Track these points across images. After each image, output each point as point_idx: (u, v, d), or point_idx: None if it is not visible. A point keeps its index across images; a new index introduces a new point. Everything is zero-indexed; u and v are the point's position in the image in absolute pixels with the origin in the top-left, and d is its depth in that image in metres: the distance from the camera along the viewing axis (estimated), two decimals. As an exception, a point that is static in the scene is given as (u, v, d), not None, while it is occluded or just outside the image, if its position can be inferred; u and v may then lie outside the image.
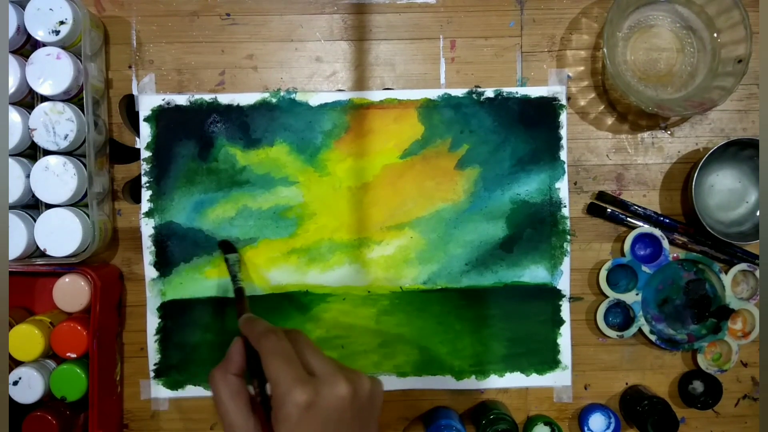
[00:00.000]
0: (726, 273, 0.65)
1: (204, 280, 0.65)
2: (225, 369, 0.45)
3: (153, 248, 0.65)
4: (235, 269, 0.62)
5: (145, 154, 0.65)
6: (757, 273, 0.65)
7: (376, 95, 0.65)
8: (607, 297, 0.66)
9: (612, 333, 0.65)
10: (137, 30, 0.65)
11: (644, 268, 0.65)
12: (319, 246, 0.65)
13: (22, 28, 0.59)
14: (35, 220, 0.60)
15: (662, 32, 0.66)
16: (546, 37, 0.66)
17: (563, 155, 0.66)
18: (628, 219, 0.65)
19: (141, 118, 0.65)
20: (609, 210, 0.65)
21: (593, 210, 0.66)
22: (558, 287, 0.66)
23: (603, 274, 0.65)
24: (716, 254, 0.66)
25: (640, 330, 0.65)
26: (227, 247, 0.65)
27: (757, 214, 0.66)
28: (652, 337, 0.65)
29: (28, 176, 0.60)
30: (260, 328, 0.46)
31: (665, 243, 0.65)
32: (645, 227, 0.65)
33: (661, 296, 0.67)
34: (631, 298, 0.65)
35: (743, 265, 0.65)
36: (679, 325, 0.67)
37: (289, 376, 0.41)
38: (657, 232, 0.65)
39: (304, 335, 0.46)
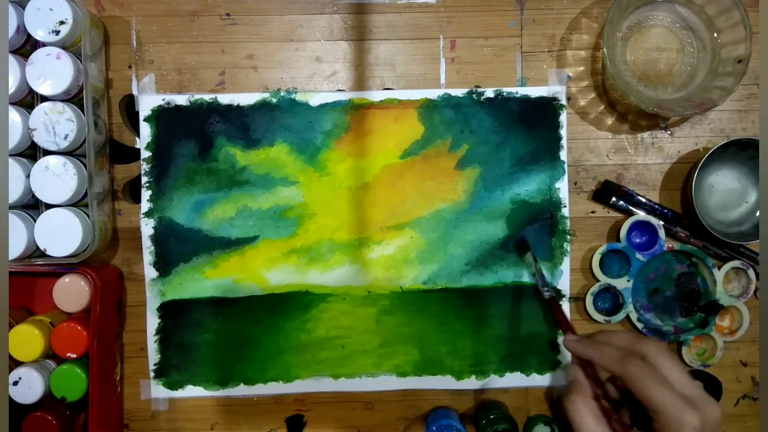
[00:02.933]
0: (719, 269, 0.66)
1: (204, 280, 0.65)
2: (583, 394, 0.46)
3: (153, 248, 0.65)
4: (542, 271, 0.63)
5: (145, 154, 0.65)
6: (750, 272, 0.66)
7: (376, 95, 0.65)
8: (598, 281, 0.66)
9: (600, 317, 0.65)
10: (137, 30, 0.65)
11: (638, 256, 0.65)
12: (319, 246, 0.65)
13: (22, 28, 0.59)
14: (35, 220, 0.60)
15: (662, 32, 0.66)
16: (546, 37, 0.66)
17: (563, 155, 0.66)
18: (632, 208, 0.66)
19: (141, 118, 0.65)
20: (613, 199, 0.65)
21: (599, 196, 0.66)
22: (558, 287, 0.66)
23: (597, 257, 0.65)
24: (717, 251, 0.66)
25: (627, 317, 0.66)
26: (523, 244, 0.65)
27: (757, 214, 0.66)
28: (639, 326, 0.65)
29: (28, 176, 0.60)
30: (616, 353, 0.46)
31: (661, 232, 0.65)
32: (641, 214, 0.65)
33: (652, 286, 0.67)
34: (622, 284, 0.66)
35: (736, 263, 0.65)
36: (666, 317, 0.67)
37: (678, 401, 0.42)
38: (654, 220, 0.65)
39: (654, 344, 0.45)
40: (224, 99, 0.65)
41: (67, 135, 0.59)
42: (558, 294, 0.65)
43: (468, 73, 0.66)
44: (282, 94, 0.65)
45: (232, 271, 0.65)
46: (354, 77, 0.66)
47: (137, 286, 0.65)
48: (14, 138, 0.59)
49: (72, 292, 0.61)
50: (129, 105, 0.66)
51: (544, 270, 0.65)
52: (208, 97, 0.65)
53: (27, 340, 0.59)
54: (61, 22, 0.58)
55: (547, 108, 0.66)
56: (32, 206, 0.62)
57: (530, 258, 0.64)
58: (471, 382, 0.66)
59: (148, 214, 0.65)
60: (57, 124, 0.59)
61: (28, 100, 0.61)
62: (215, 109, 0.65)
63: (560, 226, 0.66)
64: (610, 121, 0.67)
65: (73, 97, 0.61)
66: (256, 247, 0.65)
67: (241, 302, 0.65)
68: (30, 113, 0.59)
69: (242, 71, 0.65)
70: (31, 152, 0.62)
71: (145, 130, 0.65)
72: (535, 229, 0.65)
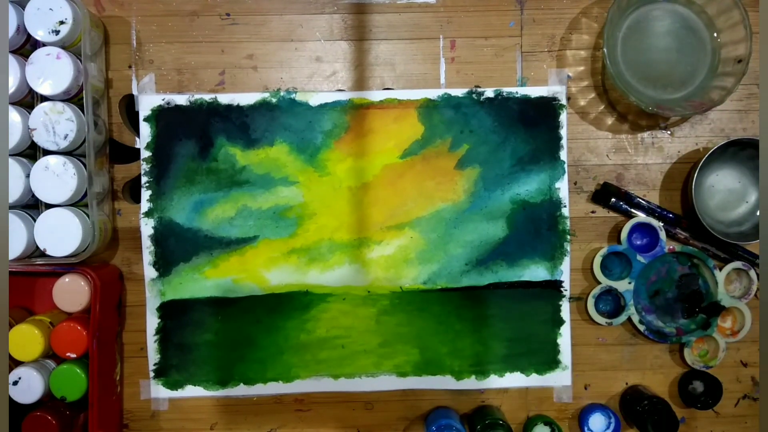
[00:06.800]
0: (720, 270, 0.65)
1: (203, 280, 0.65)
2: None
3: (153, 248, 0.65)
4: None
5: (145, 154, 0.65)
6: (752, 272, 0.65)
7: (376, 95, 0.65)
8: (599, 284, 0.66)
9: (601, 320, 0.65)
10: (137, 30, 0.65)
11: (639, 258, 0.65)
12: (319, 246, 0.65)
13: (22, 28, 0.59)
14: (35, 220, 0.60)
15: (662, 32, 0.66)
16: (546, 37, 0.66)
17: (563, 155, 0.66)
18: (631, 210, 0.65)
19: (141, 118, 0.65)
20: (613, 200, 0.65)
21: (598, 197, 0.66)
22: (558, 287, 0.66)
23: (598, 260, 0.65)
24: (718, 252, 0.66)
25: (629, 319, 0.66)
26: None
27: (757, 214, 0.66)
28: (641, 327, 0.65)
29: (28, 176, 0.60)
30: None
31: (662, 234, 0.65)
32: (642, 216, 0.65)
33: (653, 288, 0.67)
34: (624, 286, 0.66)
35: (738, 263, 0.65)
36: (668, 318, 0.67)
37: None
38: (654, 222, 0.65)
39: None
40: (224, 99, 0.65)
41: (67, 135, 0.59)
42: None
43: (468, 73, 0.66)
44: (282, 94, 0.65)
45: (232, 271, 0.65)
46: (354, 77, 0.66)
47: (137, 286, 0.65)
48: (14, 138, 0.59)
49: (72, 292, 0.61)
50: (129, 105, 0.66)
51: (544, 270, 0.65)
52: (208, 97, 0.65)
53: (27, 340, 0.59)
54: (61, 22, 0.58)
55: (547, 108, 0.66)
56: (32, 206, 0.62)
57: None
58: (471, 382, 0.66)
59: (148, 214, 0.65)
60: (57, 124, 0.59)
61: (28, 100, 0.61)
62: (215, 109, 0.65)
63: (560, 226, 0.66)
64: (610, 121, 0.67)
65: (73, 97, 0.61)
66: (256, 247, 0.65)
67: (241, 302, 0.65)
68: (30, 113, 0.59)
69: (242, 71, 0.65)
70: (31, 152, 0.62)
71: (145, 130, 0.65)
72: None
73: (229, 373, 0.65)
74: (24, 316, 0.63)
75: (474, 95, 0.65)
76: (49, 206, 0.61)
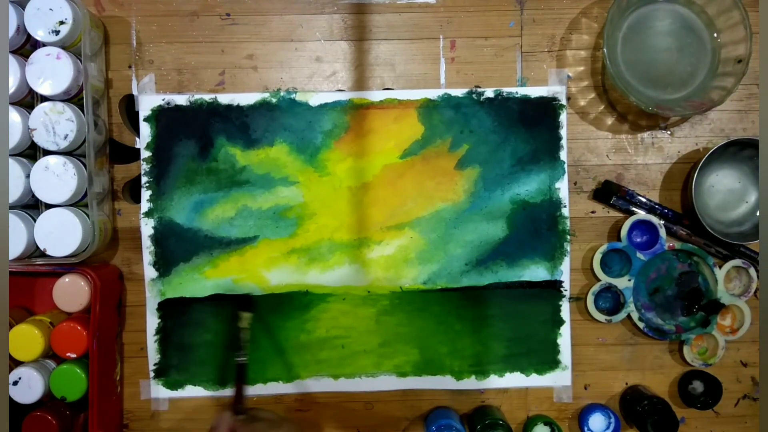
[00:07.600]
0: (720, 268, 0.65)
1: (203, 280, 0.65)
2: None
3: (153, 248, 0.65)
4: (246, 333, 0.61)
5: (145, 154, 0.65)
6: (751, 270, 0.66)
7: (376, 95, 0.65)
8: (599, 281, 0.66)
9: (600, 316, 0.65)
10: (137, 30, 0.65)
11: (639, 255, 0.65)
12: (319, 246, 0.65)
13: (22, 28, 0.59)
14: (35, 220, 0.60)
15: (662, 32, 0.66)
16: (546, 37, 0.66)
17: (563, 155, 0.66)
18: (632, 208, 0.65)
19: (141, 118, 0.65)
20: (614, 198, 0.65)
21: (599, 196, 0.66)
22: (558, 287, 0.66)
23: (597, 257, 0.65)
24: (719, 250, 0.66)
25: (628, 317, 0.66)
26: (245, 302, 0.63)
27: (757, 214, 0.66)
28: (641, 325, 0.65)
29: (28, 176, 0.60)
30: None
31: (662, 231, 0.65)
32: (642, 213, 0.65)
33: (653, 285, 0.67)
34: (623, 283, 0.66)
35: (737, 261, 0.65)
36: (668, 316, 0.67)
37: None
38: (654, 219, 0.65)
39: None
40: (224, 99, 0.65)
41: (67, 135, 0.59)
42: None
43: (468, 73, 0.66)
44: (282, 94, 0.65)
45: (232, 271, 0.65)
46: (354, 77, 0.66)
47: (137, 286, 0.65)
48: (14, 138, 0.59)
49: (72, 292, 0.61)
50: (129, 105, 0.66)
51: (544, 270, 0.66)
52: (208, 97, 0.65)
53: (27, 340, 0.59)
54: (61, 22, 0.58)
55: (547, 108, 0.66)
56: (32, 206, 0.62)
57: (249, 318, 0.62)
58: (471, 382, 0.66)
59: (148, 214, 0.65)
60: (57, 124, 0.59)
61: (28, 100, 0.61)
62: (215, 109, 0.65)
63: (560, 226, 0.66)
64: (610, 121, 0.67)
65: (73, 97, 0.61)
66: (256, 247, 0.65)
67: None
68: (30, 113, 0.59)
69: (242, 71, 0.65)
70: (31, 152, 0.62)
71: (145, 130, 0.65)
72: None
73: (229, 373, 0.65)
74: (24, 316, 0.63)
75: (474, 95, 0.65)
76: (49, 206, 0.61)
